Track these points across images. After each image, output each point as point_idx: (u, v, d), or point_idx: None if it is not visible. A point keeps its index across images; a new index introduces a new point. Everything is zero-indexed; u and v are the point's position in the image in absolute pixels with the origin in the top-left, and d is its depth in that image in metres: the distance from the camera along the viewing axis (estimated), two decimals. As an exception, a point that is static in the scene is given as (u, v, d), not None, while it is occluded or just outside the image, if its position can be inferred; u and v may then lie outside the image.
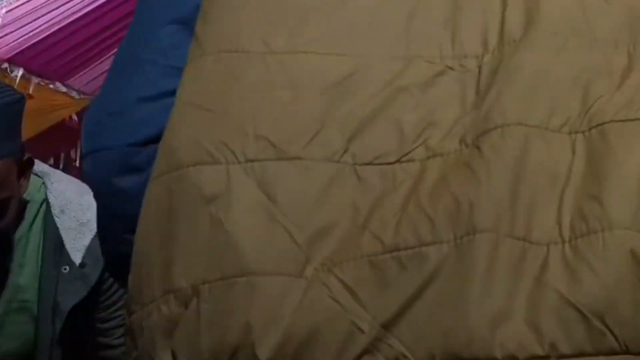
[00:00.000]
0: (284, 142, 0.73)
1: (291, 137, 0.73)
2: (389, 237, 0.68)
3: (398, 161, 0.72)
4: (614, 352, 0.63)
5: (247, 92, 0.76)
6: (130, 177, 0.84)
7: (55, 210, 1.85)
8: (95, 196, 0.90)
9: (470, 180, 0.69)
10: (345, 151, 0.72)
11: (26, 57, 5.42)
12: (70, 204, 1.86)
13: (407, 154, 0.72)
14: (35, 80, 5.64)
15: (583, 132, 0.70)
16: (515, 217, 0.67)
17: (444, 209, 0.68)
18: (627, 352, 0.63)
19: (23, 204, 1.84)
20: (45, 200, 1.87)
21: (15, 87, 5.42)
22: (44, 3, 5.00)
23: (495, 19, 0.77)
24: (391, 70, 0.75)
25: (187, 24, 0.84)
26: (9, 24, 5.02)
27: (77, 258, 1.81)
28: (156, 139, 0.80)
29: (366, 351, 0.66)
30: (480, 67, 0.75)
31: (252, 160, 0.72)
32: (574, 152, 0.70)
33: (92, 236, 1.81)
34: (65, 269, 1.82)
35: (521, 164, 0.69)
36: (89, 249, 1.81)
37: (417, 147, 0.72)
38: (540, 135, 0.70)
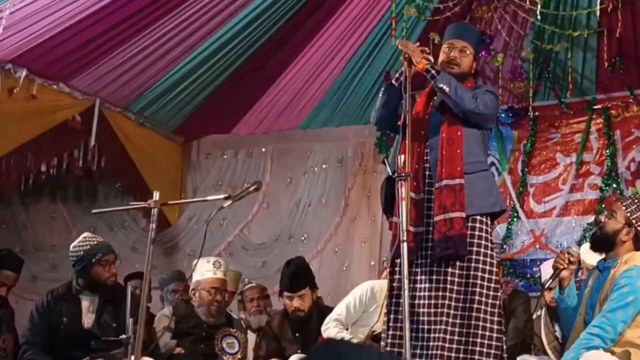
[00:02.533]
0: None
1: None
2: None
3: None
4: None
5: None
6: None
7: None
8: None
9: None
10: None
11: (30, 57, 5.46)
12: None
13: None
14: (38, 80, 5.67)
15: None
16: None
17: None
18: None
19: None
20: None
21: (19, 87, 5.47)
22: (47, 4, 5.03)
23: None
24: None
25: None
26: (13, 25, 5.05)
27: None
28: None
29: None
30: None
31: None
32: None
33: None
34: None
35: None
36: None
37: None
38: None
